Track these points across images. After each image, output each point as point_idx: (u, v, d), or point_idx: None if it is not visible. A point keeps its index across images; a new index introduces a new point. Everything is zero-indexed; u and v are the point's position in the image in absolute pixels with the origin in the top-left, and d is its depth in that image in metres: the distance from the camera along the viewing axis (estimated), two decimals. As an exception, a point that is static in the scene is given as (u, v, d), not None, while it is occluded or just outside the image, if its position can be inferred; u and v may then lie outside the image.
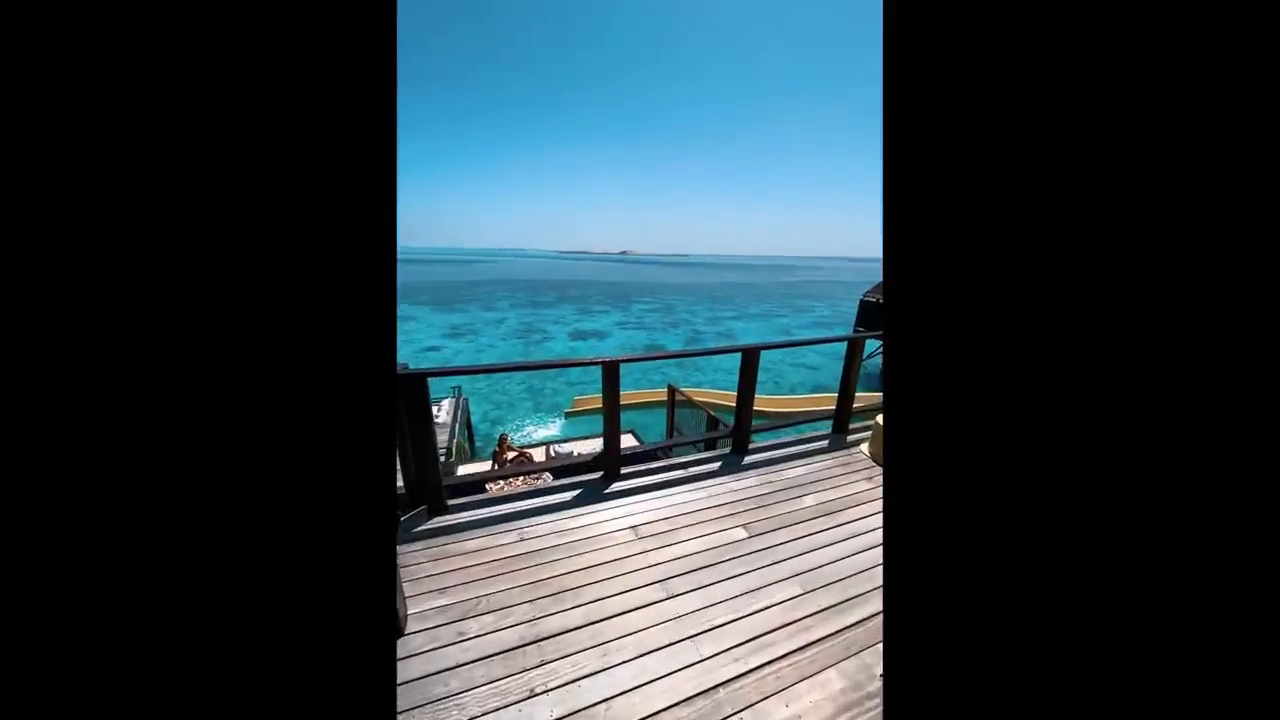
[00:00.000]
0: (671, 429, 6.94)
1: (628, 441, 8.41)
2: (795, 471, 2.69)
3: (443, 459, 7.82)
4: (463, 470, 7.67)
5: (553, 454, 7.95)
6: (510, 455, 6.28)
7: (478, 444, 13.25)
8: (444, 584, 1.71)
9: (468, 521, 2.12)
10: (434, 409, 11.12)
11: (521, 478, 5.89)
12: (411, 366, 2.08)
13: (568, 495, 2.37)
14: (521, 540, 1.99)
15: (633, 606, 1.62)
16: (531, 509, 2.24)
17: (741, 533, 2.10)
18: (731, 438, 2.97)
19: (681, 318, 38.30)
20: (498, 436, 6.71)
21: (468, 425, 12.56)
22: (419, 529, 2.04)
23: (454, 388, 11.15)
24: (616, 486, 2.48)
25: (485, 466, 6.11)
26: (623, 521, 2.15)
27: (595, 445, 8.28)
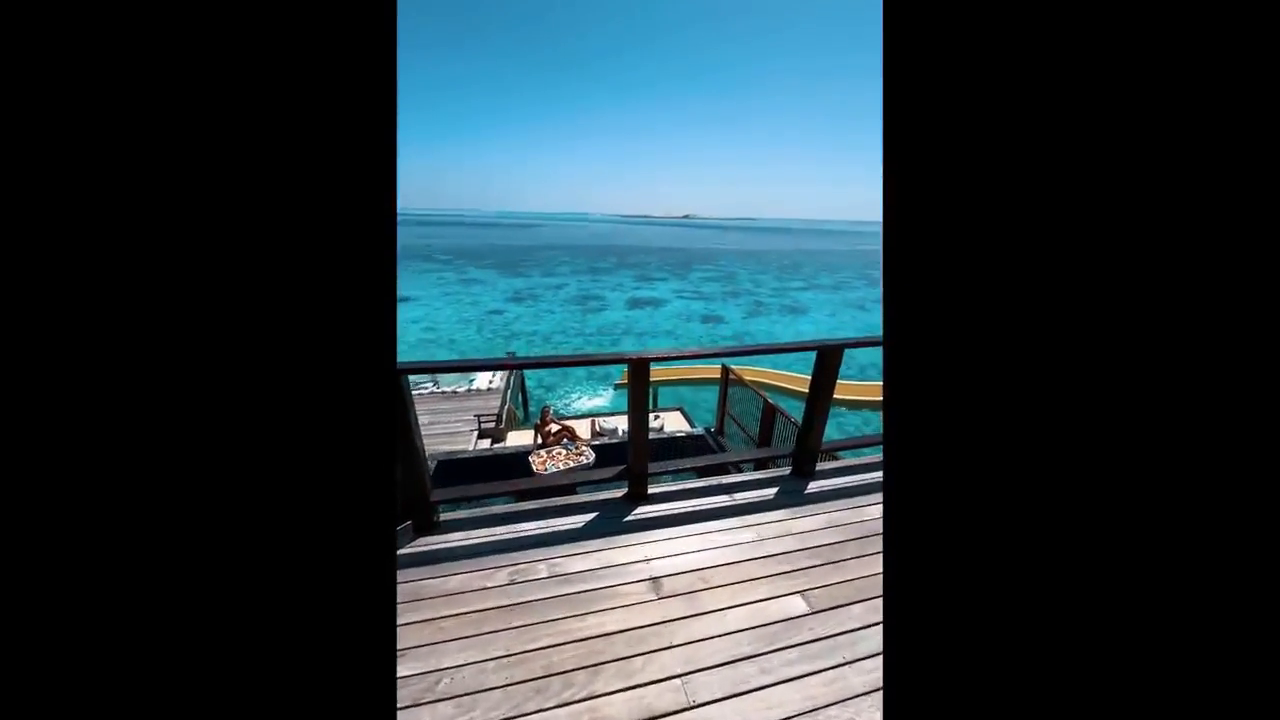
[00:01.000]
0: (723, 417, 6.34)
1: (675, 422, 7.94)
2: (880, 510, 2.03)
3: (494, 425, 8.00)
4: (513, 438, 7.75)
5: (598, 429, 7.74)
6: (553, 428, 6.10)
7: (531, 409, 13.62)
8: (405, 642, 1.37)
9: (456, 547, 1.77)
10: (487, 373, 11.33)
11: (564, 452, 5.71)
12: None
13: (579, 521, 1.94)
14: (512, 584, 1.59)
15: (639, 719, 1.17)
16: (534, 536, 1.84)
17: (800, 604, 1.54)
18: (792, 457, 2.35)
19: (743, 287, 36.33)
20: (540, 410, 6.55)
21: (522, 390, 12.87)
22: (398, 553, 1.73)
23: (509, 353, 11.35)
24: (641, 512, 2.00)
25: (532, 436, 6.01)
26: (641, 568, 1.68)
27: (641, 423, 7.97)
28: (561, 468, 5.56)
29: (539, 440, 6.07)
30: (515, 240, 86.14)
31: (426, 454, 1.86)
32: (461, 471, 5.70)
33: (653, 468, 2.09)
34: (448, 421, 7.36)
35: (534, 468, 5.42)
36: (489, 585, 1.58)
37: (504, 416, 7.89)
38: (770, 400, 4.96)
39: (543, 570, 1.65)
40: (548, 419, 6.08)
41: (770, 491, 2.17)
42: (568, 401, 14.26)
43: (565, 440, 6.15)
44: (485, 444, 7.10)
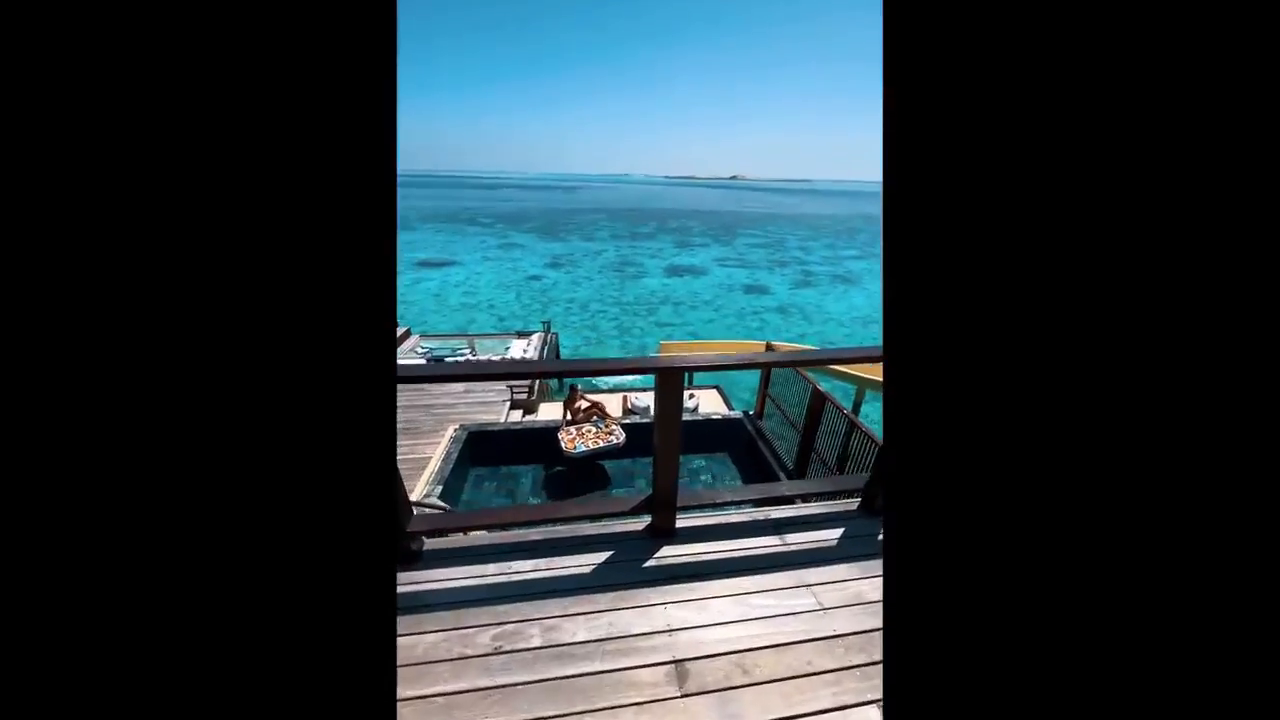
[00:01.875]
0: (764, 399, 5.79)
1: (711, 402, 7.44)
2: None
3: (525, 396, 7.88)
4: (545, 410, 7.61)
5: (629, 405, 7.42)
6: (583, 405, 5.83)
7: (566, 380, 13.57)
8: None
9: (434, 589, 1.45)
10: (522, 343, 11.16)
11: (595, 430, 5.45)
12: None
13: (586, 564, 1.56)
14: (496, 654, 1.25)
15: None
16: (529, 581, 1.48)
17: (876, 715, 1.11)
18: (864, 493, 1.84)
19: (792, 255, 34.12)
20: (568, 387, 6.26)
21: (558, 358, 12.75)
22: (369, 592, 1.45)
23: (544, 322, 11.14)
24: (665, 554, 1.60)
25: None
26: (662, 643, 1.29)
27: (676, 401, 7.55)
28: (590, 447, 5.29)
29: (568, 416, 5.81)
30: (559, 203, 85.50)
31: (438, 451, 1.52)
32: (490, 446, 5.59)
33: (684, 497, 1.67)
34: (481, 392, 7.28)
35: (563, 445, 5.19)
36: (468, 653, 1.25)
37: (535, 388, 7.73)
38: (820, 387, 4.35)
39: (535, 636, 1.30)
40: (577, 396, 5.80)
41: (833, 536, 1.70)
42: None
43: (595, 418, 5.86)
44: (518, 415, 6.97)
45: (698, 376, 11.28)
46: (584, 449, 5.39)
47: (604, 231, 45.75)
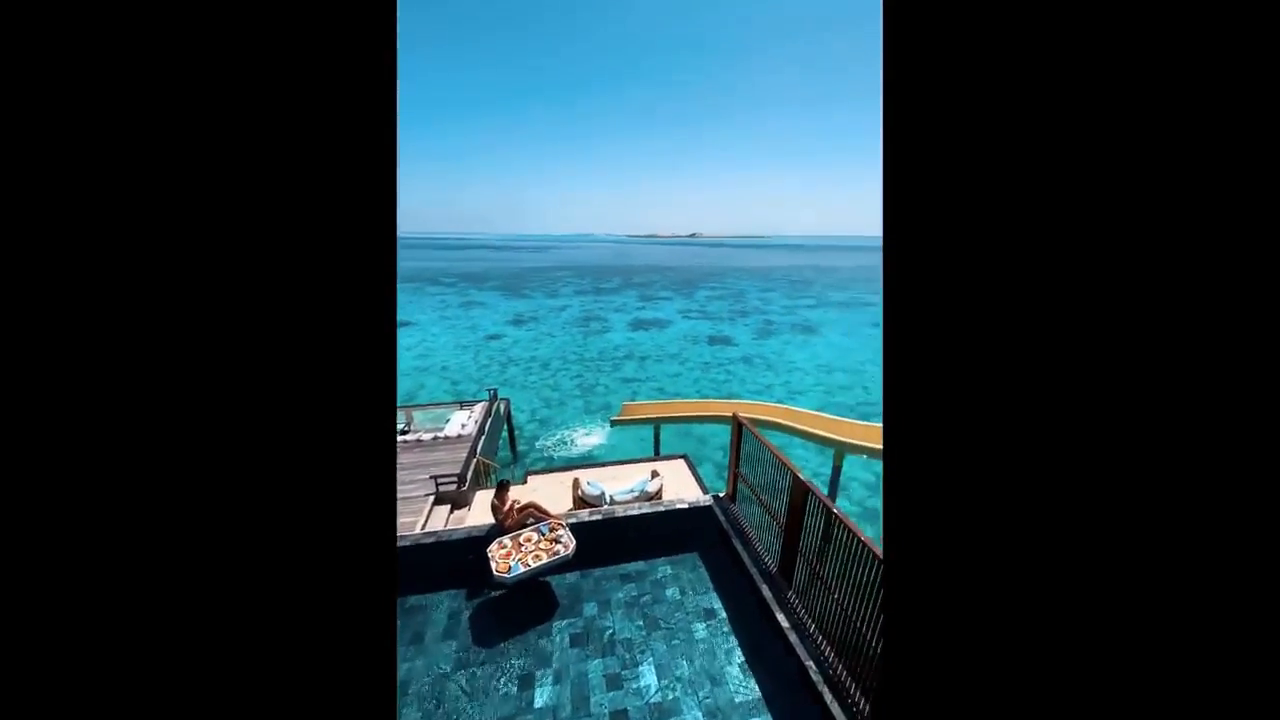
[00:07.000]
0: (735, 484, 4.93)
1: (677, 478, 6.50)
2: None
3: (454, 487, 6.63)
4: (481, 503, 6.34)
5: (581, 491, 6.31)
6: (517, 502, 4.65)
7: (521, 449, 12.24)
8: None
9: None
10: (463, 415, 9.70)
11: (537, 538, 4.27)
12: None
13: None
14: None
15: None
16: None
17: None
18: None
19: (752, 305, 35.15)
20: (496, 483, 5.09)
21: (508, 424, 11.47)
22: None
23: (489, 390, 10.05)
24: None
25: (515, 494, 4.53)
26: None
27: (636, 479, 6.51)
28: (531, 566, 3.96)
29: (498, 521, 4.60)
30: (525, 262, 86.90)
31: None
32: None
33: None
34: (400, 484, 6.00)
35: (493, 567, 3.87)
36: None
37: (468, 474, 6.51)
38: (802, 476, 3.55)
39: None
40: (506, 495, 4.68)
41: None
42: (567, 436, 12.90)
43: (532, 520, 4.66)
44: (442, 514, 5.68)
45: (664, 444, 10.37)
46: (521, 570, 4.04)
47: (569, 287, 46.10)
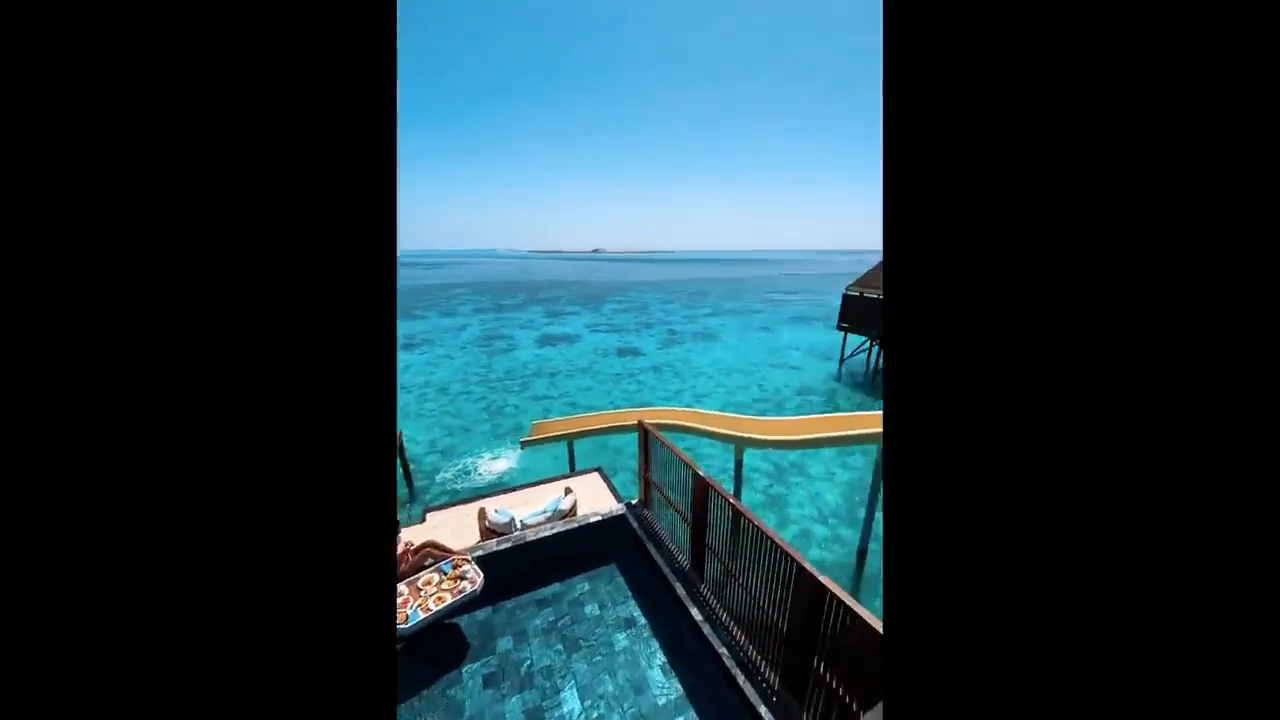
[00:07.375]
0: (646, 489, 5.07)
1: (593, 492, 6.46)
2: None
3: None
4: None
5: (488, 520, 5.91)
6: (410, 545, 4.16)
7: (419, 484, 11.03)
8: None
9: None
10: None
11: (439, 579, 3.84)
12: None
13: None
14: None
15: None
16: None
17: None
18: None
19: (656, 317, 36.65)
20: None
21: (402, 463, 10.35)
22: None
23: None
24: None
25: (409, 535, 4.00)
26: None
27: (549, 499, 6.29)
28: (435, 610, 3.55)
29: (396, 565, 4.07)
30: (419, 280, 79.39)
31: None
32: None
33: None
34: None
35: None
36: None
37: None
38: (701, 473, 3.80)
39: None
40: (399, 536, 4.19)
41: None
42: (472, 464, 11.92)
43: (430, 561, 4.22)
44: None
45: (578, 459, 10.20)
46: (421, 617, 3.62)
47: (467, 306, 43.29)
